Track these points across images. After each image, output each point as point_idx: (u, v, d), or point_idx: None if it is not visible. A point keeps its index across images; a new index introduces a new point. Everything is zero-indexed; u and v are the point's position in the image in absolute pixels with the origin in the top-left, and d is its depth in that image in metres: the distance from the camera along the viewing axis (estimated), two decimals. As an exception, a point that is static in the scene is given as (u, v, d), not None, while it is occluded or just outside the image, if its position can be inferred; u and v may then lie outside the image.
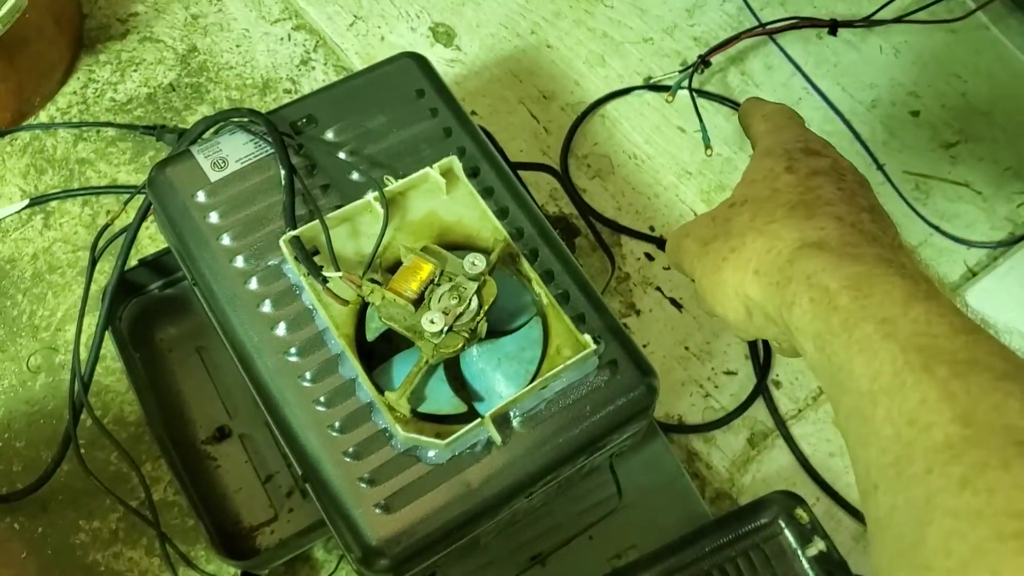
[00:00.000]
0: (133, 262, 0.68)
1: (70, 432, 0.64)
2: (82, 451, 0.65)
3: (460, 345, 0.52)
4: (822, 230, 0.42)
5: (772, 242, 0.43)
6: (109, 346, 0.69)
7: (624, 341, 0.57)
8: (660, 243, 0.82)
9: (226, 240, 0.57)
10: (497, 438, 0.52)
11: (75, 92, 0.83)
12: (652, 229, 0.83)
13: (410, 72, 0.65)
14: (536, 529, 0.67)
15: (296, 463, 0.54)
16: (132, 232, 0.64)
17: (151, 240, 0.77)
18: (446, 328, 0.51)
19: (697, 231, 0.49)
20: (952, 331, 0.34)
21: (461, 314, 0.52)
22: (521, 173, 0.77)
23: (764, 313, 0.44)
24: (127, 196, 0.71)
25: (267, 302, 0.55)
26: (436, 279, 0.52)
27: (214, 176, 0.58)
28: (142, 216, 0.64)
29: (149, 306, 0.72)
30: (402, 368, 0.54)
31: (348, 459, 0.51)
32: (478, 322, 0.52)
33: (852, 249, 0.40)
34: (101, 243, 0.67)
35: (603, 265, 0.81)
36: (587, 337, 0.54)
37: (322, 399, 0.53)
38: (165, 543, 0.63)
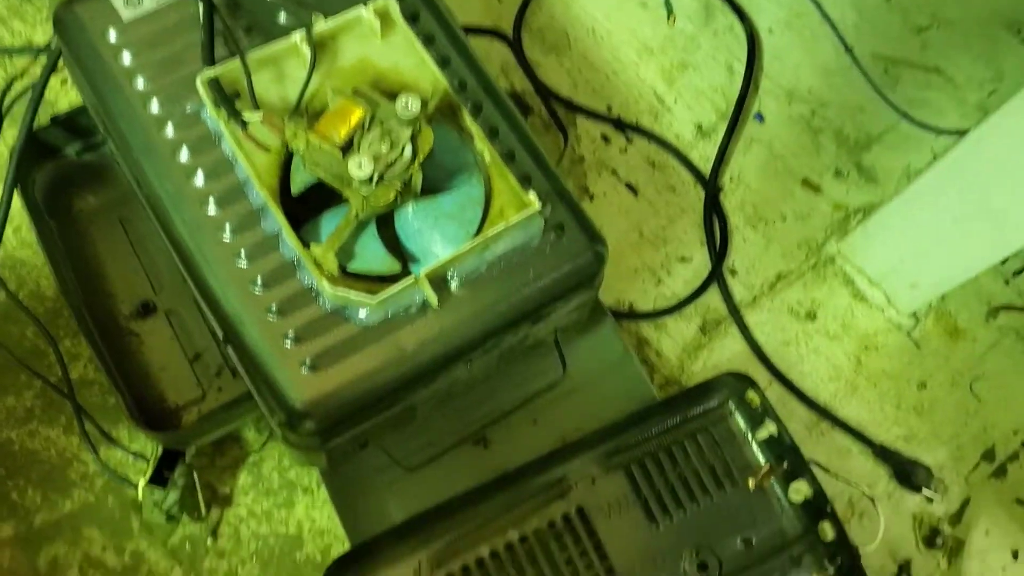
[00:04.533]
0: (46, 121, 0.63)
1: (-23, 300, 0.59)
2: (-7, 322, 0.61)
3: (392, 197, 0.48)
4: None
5: None
6: (24, 217, 0.65)
7: (571, 205, 0.53)
8: (617, 124, 0.78)
9: (140, 84, 0.52)
10: (433, 300, 0.49)
11: (-12, -55, 0.77)
12: (610, 109, 0.78)
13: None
14: (479, 411, 0.64)
15: (216, 323, 0.50)
16: (41, 85, 0.59)
17: (71, 104, 0.71)
18: (376, 176, 0.47)
19: None
20: None
21: (393, 162, 0.48)
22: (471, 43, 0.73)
23: None
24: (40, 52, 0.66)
25: (184, 150, 0.50)
26: (367, 124, 0.48)
27: (127, 14, 0.53)
28: (52, 67, 0.58)
29: (66, 172, 0.66)
30: (331, 225, 0.50)
31: (271, 316, 0.48)
32: (411, 173, 0.48)
33: None
34: (7, 101, 0.61)
35: (556, 146, 0.77)
36: (532, 196, 0.50)
37: (242, 253, 0.49)
38: (82, 417, 0.60)
